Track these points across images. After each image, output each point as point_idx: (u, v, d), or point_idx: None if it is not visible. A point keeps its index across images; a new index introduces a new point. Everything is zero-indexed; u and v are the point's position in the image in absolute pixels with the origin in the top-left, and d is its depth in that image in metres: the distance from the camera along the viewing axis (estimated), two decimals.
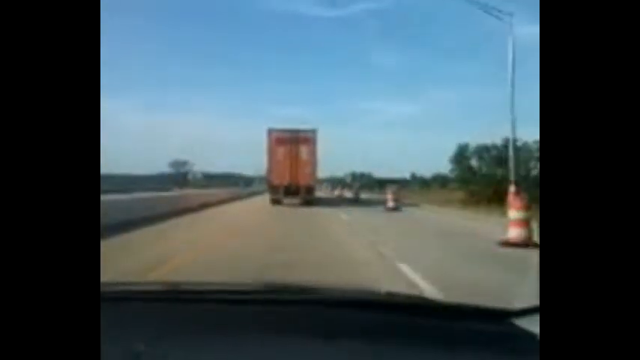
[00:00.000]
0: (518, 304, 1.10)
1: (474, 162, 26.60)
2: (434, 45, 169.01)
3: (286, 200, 20.99)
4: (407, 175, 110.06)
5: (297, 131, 21.37)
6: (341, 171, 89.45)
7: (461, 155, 26.98)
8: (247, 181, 74.09)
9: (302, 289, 1.31)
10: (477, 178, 24.72)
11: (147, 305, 1.19)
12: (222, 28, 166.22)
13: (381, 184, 58.54)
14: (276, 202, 20.80)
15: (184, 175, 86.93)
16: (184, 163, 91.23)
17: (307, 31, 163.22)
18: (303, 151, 20.99)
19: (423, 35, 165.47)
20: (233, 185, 55.68)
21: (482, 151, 26.06)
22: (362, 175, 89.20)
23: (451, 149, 27.20)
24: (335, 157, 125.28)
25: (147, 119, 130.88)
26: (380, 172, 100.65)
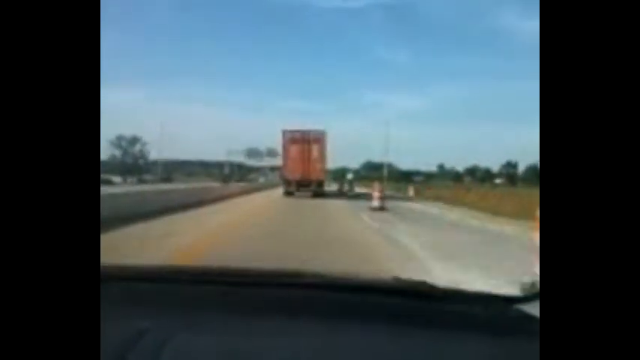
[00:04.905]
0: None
1: None
2: (442, 38, 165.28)
3: (297, 193, 24.04)
4: (434, 168, 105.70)
5: (309, 132, 24.53)
6: (355, 162, 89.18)
7: None
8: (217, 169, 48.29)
9: (311, 275, 1.31)
10: None
11: (152, 285, 1.21)
12: (227, 19, 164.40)
13: (407, 176, 58.75)
14: (289, 194, 23.90)
15: (136, 159, 60.84)
16: (134, 141, 63.18)
17: (313, 23, 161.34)
18: (314, 149, 24.08)
19: (430, 28, 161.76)
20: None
21: None
22: (380, 166, 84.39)
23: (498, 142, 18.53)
24: (347, 148, 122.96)
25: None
26: (405, 164, 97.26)
